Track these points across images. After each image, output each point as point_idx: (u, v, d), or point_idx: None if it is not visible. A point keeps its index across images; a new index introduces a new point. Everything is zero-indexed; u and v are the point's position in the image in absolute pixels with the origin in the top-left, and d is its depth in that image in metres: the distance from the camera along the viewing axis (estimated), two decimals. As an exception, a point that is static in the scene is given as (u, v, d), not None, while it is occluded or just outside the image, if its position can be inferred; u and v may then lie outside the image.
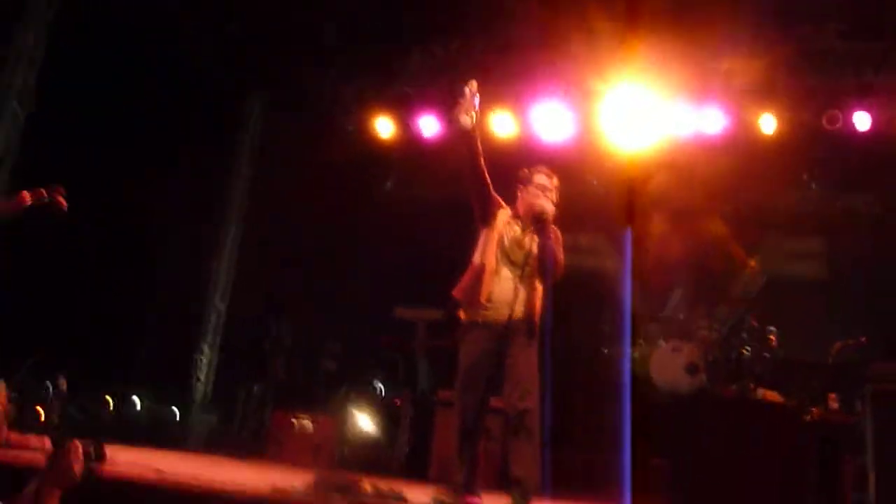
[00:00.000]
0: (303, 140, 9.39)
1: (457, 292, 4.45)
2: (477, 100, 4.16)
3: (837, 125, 7.88)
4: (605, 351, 8.47)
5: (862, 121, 7.87)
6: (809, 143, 8.36)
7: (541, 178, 4.47)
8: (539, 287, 4.31)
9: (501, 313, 4.20)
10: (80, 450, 2.33)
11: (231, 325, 9.74)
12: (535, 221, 4.27)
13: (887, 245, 8.78)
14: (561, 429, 6.97)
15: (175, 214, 9.30)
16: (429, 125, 9.09)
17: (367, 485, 4.11)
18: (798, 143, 8.32)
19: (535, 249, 4.28)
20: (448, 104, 9.13)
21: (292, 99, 9.75)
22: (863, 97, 7.89)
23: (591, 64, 8.30)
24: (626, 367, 7.71)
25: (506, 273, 4.29)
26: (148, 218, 9.06)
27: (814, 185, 9.50)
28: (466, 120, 4.12)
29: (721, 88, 8.31)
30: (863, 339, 7.16)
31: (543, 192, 4.41)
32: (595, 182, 10.26)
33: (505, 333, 4.17)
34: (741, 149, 8.47)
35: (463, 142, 4.26)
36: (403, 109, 9.23)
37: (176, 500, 3.49)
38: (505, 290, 4.23)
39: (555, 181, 4.47)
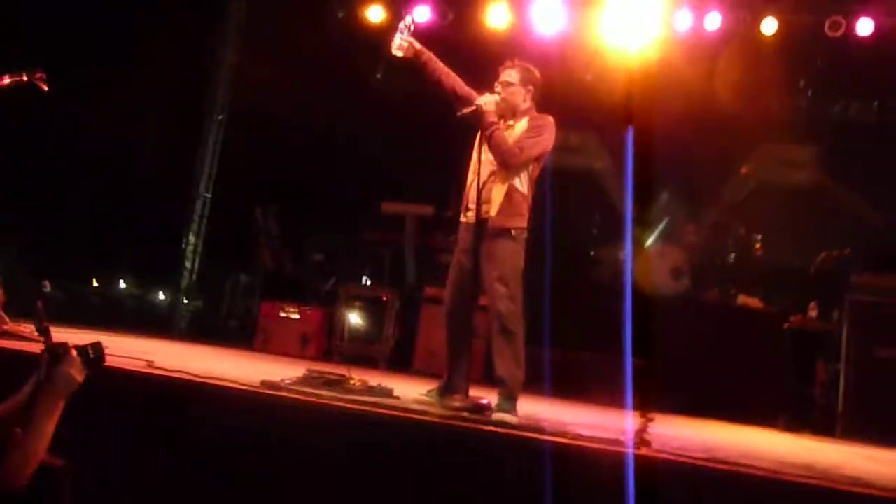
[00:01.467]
0: (289, 25, 9.06)
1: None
2: (410, 30, 4.31)
3: (840, 31, 7.69)
4: (592, 253, 8.52)
5: (865, 27, 7.69)
6: (809, 48, 8.19)
7: (500, 72, 4.40)
8: (506, 181, 4.23)
9: (472, 214, 4.26)
10: (79, 360, 2.31)
11: (217, 214, 9.66)
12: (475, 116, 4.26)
13: (879, 155, 8.75)
14: (554, 329, 7.08)
15: (158, 101, 9.09)
16: (423, 13, 8.79)
17: (357, 380, 4.17)
18: (798, 48, 8.15)
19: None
20: None
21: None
22: (866, 2, 7.69)
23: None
24: (628, 267, 7.75)
25: (482, 172, 4.28)
26: (130, 105, 8.84)
27: (810, 92, 9.39)
28: (397, 52, 4.29)
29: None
30: (846, 250, 7.22)
31: (499, 86, 4.35)
32: (589, 78, 10.07)
33: (477, 232, 4.20)
34: (739, 51, 8.28)
35: (419, 68, 4.35)
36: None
37: (167, 394, 3.54)
38: (477, 190, 4.25)
39: (512, 72, 4.35)
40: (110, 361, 2.69)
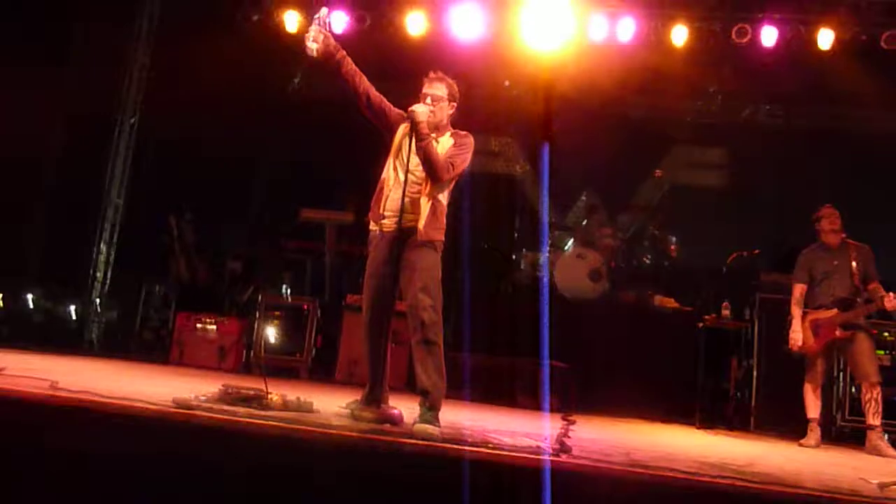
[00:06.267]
0: (203, 27, 8.82)
1: (369, 215, 4.44)
2: (326, 24, 4.19)
3: (746, 38, 7.94)
4: (514, 257, 8.57)
5: (769, 35, 7.97)
6: (718, 54, 8.43)
7: (426, 84, 4.40)
8: (427, 194, 4.24)
9: (392, 223, 4.23)
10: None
11: (129, 222, 9.33)
12: (410, 126, 4.22)
13: (786, 156, 9.09)
14: (475, 334, 7.09)
15: (67, 101, 8.71)
16: (339, 19, 8.69)
17: (276, 395, 4.06)
18: (707, 54, 8.37)
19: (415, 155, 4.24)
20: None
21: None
22: (771, 12, 7.97)
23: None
24: (545, 273, 7.83)
25: (398, 184, 4.26)
26: (38, 104, 8.44)
27: (719, 97, 9.67)
28: (312, 46, 4.14)
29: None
30: (755, 250, 7.45)
31: (424, 98, 4.33)
32: (507, 84, 10.16)
33: (399, 241, 4.17)
34: (651, 57, 8.47)
35: (328, 65, 4.26)
36: (312, 1, 8.76)
37: (71, 418, 3.36)
38: (396, 199, 4.23)
39: (439, 86, 4.35)
40: (8, 384, 2.53)
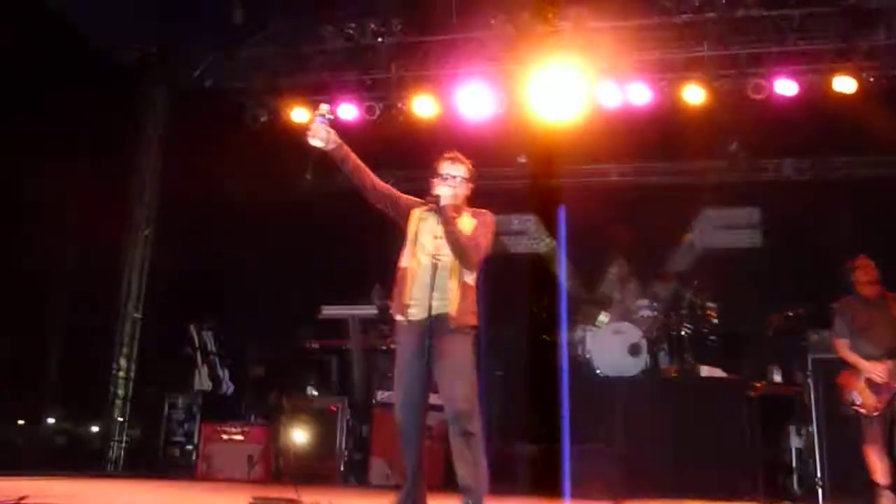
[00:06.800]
0: (213, 132, 9.04)
1: (391, 307, 4.42)
2: (327, 120, 4.30)
3: (763, 94, 7.98)
4: (546, 338, 8.44)
5: (786, 87, 7.99)
6: (736, 111, 8.46)
7: (444, 165, 4.44)
8: (457, 278, 4.24)
9: (421, 311, 4.18)
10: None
11: (148, 334, 9.34)
12: (435, 210, 4.26)
13: (819, 210, 9.00)
14: (504, 421, 6.94)
15: (77, 214, 8.84)
16: (348, 111, 8.88)
17: (307, 501, 3.95)
18: (725, 112, 8.41)
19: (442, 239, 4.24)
20: (365, 88, 8.99)
21: (199, 87, 9.37)
22: (786, 64, 8.01)
23: (513, 41, 8.22)
24: (564, 353, 7.70)
25: (423, 269, 4.24)
26: (47, 217, 8.58)
27: (743, 155, 9.66)
28: (316, 142, 4.24)
29: (645, 60, 8.33)
30: (800, 310, 7.30)
31: (444, 181, 4.35)
32: (523, 160, 10.25)
33: (429, 331, 4.11)
34: (668, 120, 8.53)
35: (332, 159, 4.34)
36: (319, 96, 8.97)
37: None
38: (423, 287, 4.21)
39: (461, 167, 4.39)
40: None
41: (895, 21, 7.65)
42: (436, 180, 4.38)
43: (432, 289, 4.14)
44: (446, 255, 4.23)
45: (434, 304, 4.14)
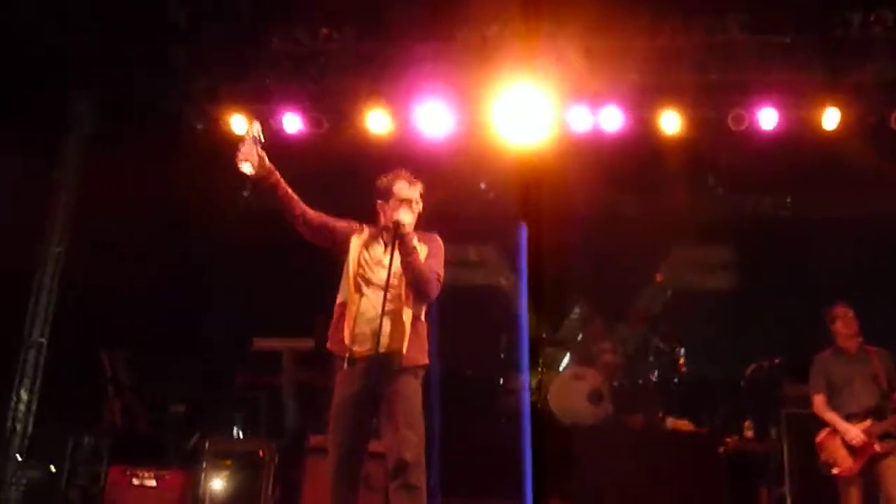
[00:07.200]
0: (144, 142, 8.93)
1: (328, 343, 4.37)
2: (258, 141, 4.26)
3: (744, 125, 8.14)
4: (501, 381, 8.45)
5: (768, 118, 8.17)
6: (714, 142, 8.63)
7: (401, 186, 4.40)
8: (410, 311, 4.22)
9: (367, 348, 4.13)
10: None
11: (54, 364, 9.13)
12: (393, 237, 4.20)
13: (799, 250, 9.17)
14: (453, 474, 6.88)
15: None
16: (292, 122, 8.86)
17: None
18: (702, 143, 8.57)
19: (397, 268, 4.21)
20: (312, 98, 8.96)
21: (128, 93, 9.26)
22: (769, 94, 8.20)
23: (479, 58, 8.27)
24: (525, 399, 7.71)
25: (367, 302, 4.22)
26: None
27: (720, 189, 9.84)
28: (247, 167, 4.20)
29: (619, 83, 8.45)
30: (776, 359, 7.42)
31: (404, 204, 4.33)
32: (483, 186, 10.31)
33: (375, 369, 4.08)
34: (642, 149, 8.65)
35: (261, 186, 4.33)
36: (262, 105, 8.94)
37: None
38: (368, 321, 4.17)
39: (418, 188, 4.40)
40: None
41: (884, 56, 7.88)
42: (391, 203, 4.35)
43: (380, 323, 4.10)
44: (397, 287, 4.20)
45: (383, 339, 4.11)
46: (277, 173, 4.31)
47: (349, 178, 8.86)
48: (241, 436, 8.31)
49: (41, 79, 8.84)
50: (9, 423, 8.97)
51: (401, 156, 8.26)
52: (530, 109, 8.05)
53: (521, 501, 6.41)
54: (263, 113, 8.81)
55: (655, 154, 8.63)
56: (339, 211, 4.61)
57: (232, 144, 8.80)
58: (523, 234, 8.37)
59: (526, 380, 8.05)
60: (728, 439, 6.87)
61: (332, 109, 8.95)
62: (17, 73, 8.26)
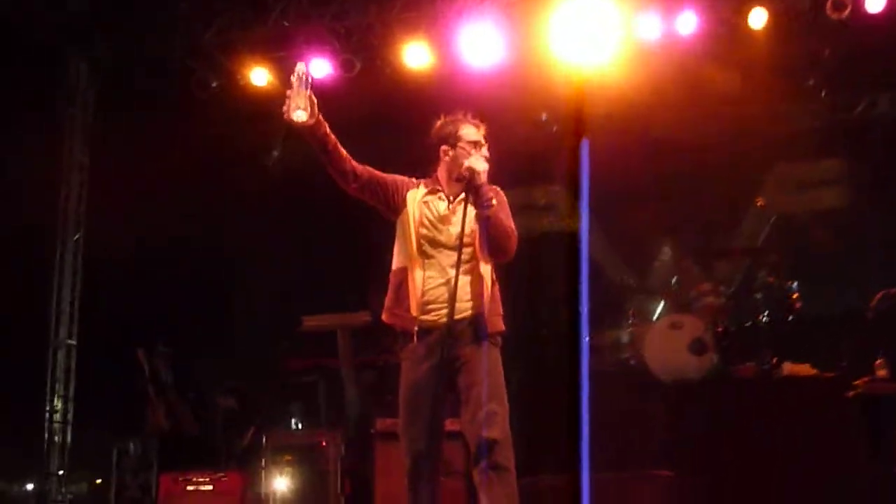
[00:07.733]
0: (150, 106, 9.02)
1: (384, 315, 4.35)
2: (309, 84, 4.10)
3: (846, 12, 7.89)
4: (587, 339, 8.39)
5: (875, 2, 7.91)
6: (813, 38, 8.40)
7: (467, 129, 4.32)
8: (487, 271, 4.21)
9: (440, 315, 4.12)
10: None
11: (87, 367, 9.38)
12: (467, 187, 4.14)
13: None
14: (533, 449, 6.90)
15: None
16: (320, 68, 8.83)
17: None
18: (799, 40, 8.35)
19: (471, 224, 4.16)
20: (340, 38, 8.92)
21: (130, 53, 9.33)
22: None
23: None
24: (584, 359, 7.64)
25: (436, 264, 4.20)
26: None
27: (823, 92, 9.59)
28: (300, 115, 4.05)
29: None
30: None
31: (474, 147, 4.27)
32: (545, 117, 10.21)
33: (449, 340, 4.06)
34: (724, 52, 8.46)
35: (308, 140, 4.18)
36: (283, 52, 8.94)
37: None
38: (438, 287, 4.16)
39: (483, 130, 4.35)
40: None
41: None
42: (458, 149, 4.30)
43: (454, 288, 4.07)
44: (470, 245, 4.19)
45: (459, 305, 4.09)
46: (325, 124, 4.18)
47: (389, 126, 8.90)
48: (300, 427, 8.45)
49: (33, 47, 8.99)
50: (46, 436, 9.25)
51: (446, 93, 8.23)
52: (592, 23, 7.90)
53: (626, 472, 6.40)
54: (285, 61, 8.82)
55: (742, 58, 8.42)
56: (384, 164, 4.57)
57: (253, 101, 8.97)
58: (585, 179, 8.28)
59: (585, 339, 7.98)
60: (858, 382, 6.75)
61: (363, 48, 8.91)
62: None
